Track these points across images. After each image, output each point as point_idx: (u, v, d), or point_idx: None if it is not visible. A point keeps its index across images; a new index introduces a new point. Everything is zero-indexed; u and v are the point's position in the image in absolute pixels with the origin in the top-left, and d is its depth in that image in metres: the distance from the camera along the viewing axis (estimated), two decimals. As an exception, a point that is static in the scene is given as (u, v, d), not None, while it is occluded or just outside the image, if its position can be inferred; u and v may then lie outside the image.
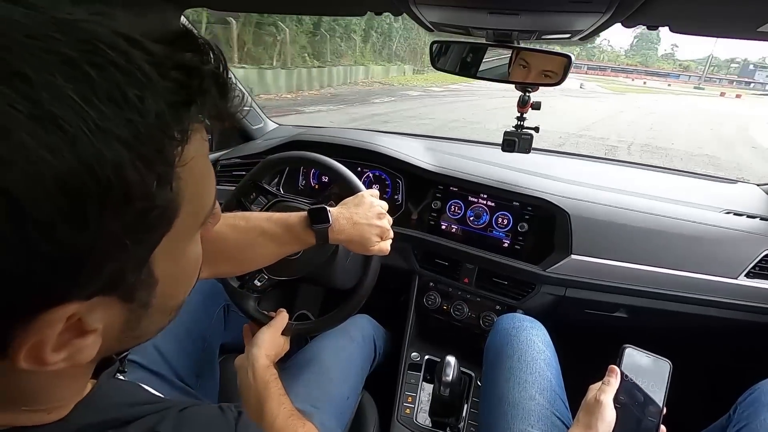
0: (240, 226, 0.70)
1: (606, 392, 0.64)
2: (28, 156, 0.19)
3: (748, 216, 1.06)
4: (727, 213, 1.07)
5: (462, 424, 1.03)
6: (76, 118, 0.20)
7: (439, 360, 1.00)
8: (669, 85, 46.99)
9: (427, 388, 1.10)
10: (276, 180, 1.37)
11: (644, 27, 0.69)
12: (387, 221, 0.78)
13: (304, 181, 1.40)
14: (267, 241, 0.70)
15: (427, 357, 1.16)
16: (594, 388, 0.67)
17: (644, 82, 42.87)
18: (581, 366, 0.87)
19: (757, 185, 1.24)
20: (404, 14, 0.77)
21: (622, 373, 0.67)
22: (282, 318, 0.84)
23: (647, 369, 0.68)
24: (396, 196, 1.27)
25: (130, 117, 0.22)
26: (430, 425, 1.03)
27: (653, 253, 1.01)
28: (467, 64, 0.93)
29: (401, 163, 1.22)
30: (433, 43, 0.94)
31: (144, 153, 0.22)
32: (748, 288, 0.96)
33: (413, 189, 1.24)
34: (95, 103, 0.21)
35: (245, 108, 1.57)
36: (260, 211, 0.91)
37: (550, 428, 0.72)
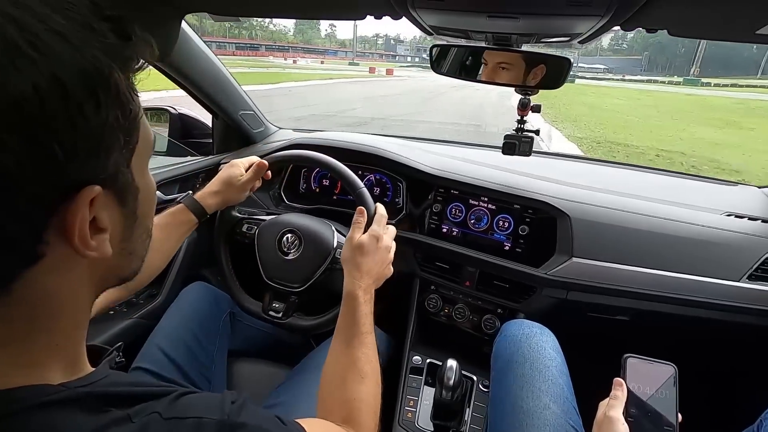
0: None
1: (615, 407, 0.62)
2: (62, 59, 0.27)
3: (750, 218, 1.06)
4: (729, 215, 1.07)
5: (464, 428, 1.03)
6: (75, 38, 0.29)
7: (440, 363, 1.00)
8: (322, 62, 47.74)
9: (429, 392, 1.09)
10: (277, 184, 1.38)
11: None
12: (392, 252, 0.80)
13: (305, 185, 1.41)
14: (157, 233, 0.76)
15: (428, 360, 1.15)
16: (603, 404, 0.65)
17: (294, 60, 40.75)
18: (587, 371, 0.87)
19: (758, 187, 1.23)
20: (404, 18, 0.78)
21: (628, 385, 0.65)
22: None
23: (653, 376, 0.66)
24: (397, 199, 1.27)
25: (103, 41, 0.30)
26: (432, 429, 1.03)
27: (655, 255, 1.01)
28: (467, 68, 0.93)
29: (402, 167, 1.22)
30: (432, 47, 0.94)
31: (118, 63, 0.31)
32: (751, 290, 0.96)
33: (414, 192, 1.25)
34: (80, 30, 0.29)
35: (247, 112, 1.57)
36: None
37: None
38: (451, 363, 0.96)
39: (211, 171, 1.38)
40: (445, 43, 0.95)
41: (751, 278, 0.96)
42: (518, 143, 1.06)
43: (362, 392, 0.61)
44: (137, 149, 0.35)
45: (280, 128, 1.62)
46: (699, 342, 1.14)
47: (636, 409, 0.63)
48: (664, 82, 49.15)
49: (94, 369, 0.38)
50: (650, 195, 1.14)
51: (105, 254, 0.33)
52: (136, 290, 0.77)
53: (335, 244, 0.98)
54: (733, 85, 42.46)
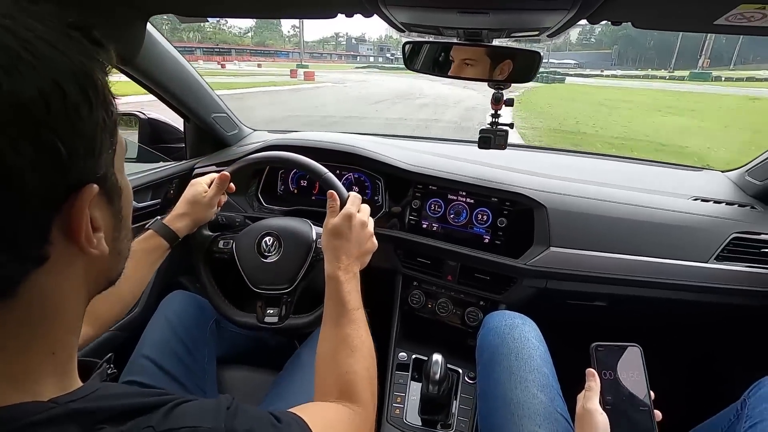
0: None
1: (591, 399, 0.64)
2: (57, 64, 0.29)
3: (715, 201, 1.11)
4: (695, 199, 1.11)
5: (452, 420, 1.04)
6: (61, 45, 0.30)
7: (426, 358, 1.00)
8: (259, 65, 42.03)
9: (416, 387, 1.10)
10: (254, 187, 1.36)
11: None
12: (371, 226, 0.80)
13: (282, 186, 1.39)
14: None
15: (414, 356, 1.16)
16: (581, 397, 0.67)
17: (222, 65, 36.62)
18: (569, 357, 0.89)
19: (721, 172, 1.29)
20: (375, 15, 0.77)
21: (600, 374, 0.67)
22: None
23: (621, 360, 0.68)
24: (376, 197, 1.27)
25: (81, 46, 0.32)
26: (420, 424, 1.03)
27: (628, 241, 1.04)
28: (440, 64, 0.94)
29: (380, 165, 1.22)
30: (405, 43, 0.94)
31: (98, 67, 0.33)
32: (719, 270, 1.00)
33: (393, 189, 1.25)
34: (61, 37, 0.31)
35: (220, 115, 1.54)
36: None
37: (554, 426, 0.72)
38: (437, 357, 0.97)
39: (185, 176, 1.35)
40: (417, 39, 0.96)
41: (718, 259, 1.00)
42: (493, 137, 1.07)
43: (353, 365, 0.62)
44: (118, 150, 0.37)
45: (255, 130, 1.60)
46: (676, 324, 1.19)
47: (611, 396, 0.66)
48: (664, 78, 41.59)
49: (84, 384, 0.37)
50: (622, 183, 1.18)
51: (104, 252, 0.35)
52: (107, 326, 0.73)
53: (314, 237, 0.97)
54: (738, 79, 36.24)
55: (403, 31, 0.90)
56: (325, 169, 0.92)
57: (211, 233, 0.99)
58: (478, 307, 1.17)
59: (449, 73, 0.92)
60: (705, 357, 1.20)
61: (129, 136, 1.39)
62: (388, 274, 1.26)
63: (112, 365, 0.46)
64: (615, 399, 0.66)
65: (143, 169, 1.28)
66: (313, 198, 1.38)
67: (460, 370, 1.12)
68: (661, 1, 0.62)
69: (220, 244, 0.98)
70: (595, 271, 1.04)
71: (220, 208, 0.94)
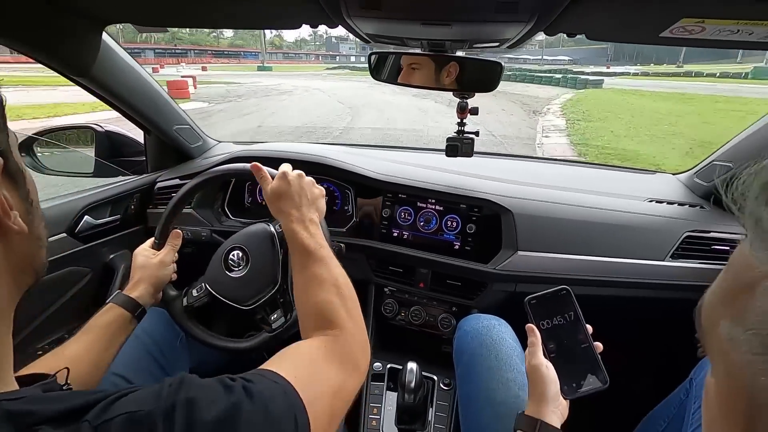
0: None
1: (534, 354, 0.67)
2: None
3: (668, 203, 1.17)
4: (651, 201, 1.17)
5: (428, 428, 1.04)
6: None
7: (401, 367, 1.00)
8: (204, 69, 37.83)
9: (392, 397, 1.09)
10: (220, 200, 1.32)
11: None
12: (309, 179, 0.80)
13: (250, 198, 1.36)
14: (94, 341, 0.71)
15: (389, 366, 1.16)
16: (527, 354, 0.69)
17: (161, 66, 33.94)
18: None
19: (673, 174, 1.36)
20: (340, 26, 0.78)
21: (538, 325, 0.70)
22: None
23: (554, 306, 0.72)
24: (346, 207, 1.27)
25: None
26: None
27: (590, 243, 1.08)
28: (405, 74, 0.95)
29: (350, 174, 1.22)
30: (370, 54, 0.95)
31: None
32: (674, 268, 1.05)
33: (362, 199, 1.25)
34: None
35: (183, 127, 1.50)
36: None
37: None
38: (411, 366, 0.97)
39: (147, 190, 1.30)
40: (382, 50, 0.97)
41: (673, 257, 1.06)
42: (460, 145, 1.09)
43: (322, 294, 0.61)
44: (10, 137, 0.38)
45: (220, 141, 1.57)
46: (639, 320, 1.23)
47: (553, 343, 0.69)
48: (714, 75, 32.66)
49: (22, 389, 0.36)
50: (582, 187, 1.23)
51: (23, 229, 0.37)
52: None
53: (273, 228, 0.94)
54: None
55: (369, 42, 0.91)
56: (245, 165, 0.89)
57: (175, 292, 0.93)
58: (451, 313, 1.18)
59: (414, 84, 0.93)
60: (668, 349, 1.25)
61: (86, 151, 1.33)
62: (360, 285, 1.25)
63: (68, 382, 0.44)
64: (557, 345, 0.69)
65: (101, 184, 1.22)
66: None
67: (435, 377, 1.13)
68: (611, 16, 0.66)
69: (194, 292, 0.92)
70: (560, 272, 1.07)
71: (175, 264, 0.91)
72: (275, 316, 0.89)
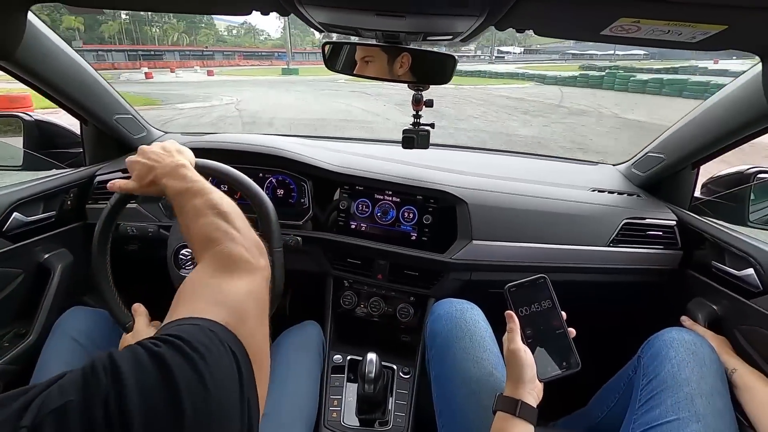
0: None
1: (513, 340, 0.71)
2: None
3: (609, 192, 1.24)
4: (593, 190, 1.24)
5: (388, 417, 1.05)
6: None
7: (360, 359, 1.01)
8: (173, 72, 35.08)
9: (352, 388, 1.10)
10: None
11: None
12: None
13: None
14: None
15: (349, 357, 1.16)
16: (505, 340, 0.74)
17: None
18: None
19: (613, 165, 1.45)
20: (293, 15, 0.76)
21: (516, 312, 0.75)
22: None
23: (532, 294, 0.76)
24: (302, 200, 1.24)
25: None
26: (358, 425, 1.04)
27: (539, 231, 1.13)
28: (358, 65, 0.94)
29: (306, 166, 1.20)
30: (324, 44, 0.93)
31: None
32: (614, 253, 1.12)
33: (319, 191, 1.23)
34: None
35: (124, 116, 1.41)
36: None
37: None
38: (371, 356, 0.98)
39: (85, 184, 1.21)
40: (337, 40, 0.95)
41: (614, 242, 1.13)
42: (416, 137, 1.10)
43: (202, 220, 0.59)
44: None
45: (167, 132, 1.49)
46: (586, 303, 1.31)
47: (531, 329, 0.74)
48: None
49: None
50: (533, 178, 1.28)
51: None
52: None
53: None
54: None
55: (322, 32, 0.89)
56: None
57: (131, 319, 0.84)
58: (409, 303, 1.20)
59: (368, 75, 0.93)
60: (616, 328, 1.34)
61: (13, 141, 1.22)
62: (318, 278, 1.24)
63: None
64: (534, 331, 0.74)
65: (32, 178, 1.13)
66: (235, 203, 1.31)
67: (395, 367, 1.14)
68: (555, 14, 0.68)
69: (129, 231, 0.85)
70: (512, 260, 1.12)
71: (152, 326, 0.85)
72: None
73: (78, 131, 1.28)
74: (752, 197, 1.05)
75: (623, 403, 0.85)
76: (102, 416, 0.29)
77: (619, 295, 1.26)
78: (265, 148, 1.21)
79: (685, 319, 0.98)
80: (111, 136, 1.27)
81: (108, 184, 0.75)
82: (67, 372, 0.33)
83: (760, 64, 0.80)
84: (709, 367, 0.78)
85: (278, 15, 0.76)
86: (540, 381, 0.71)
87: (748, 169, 1.07)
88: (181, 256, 0.88)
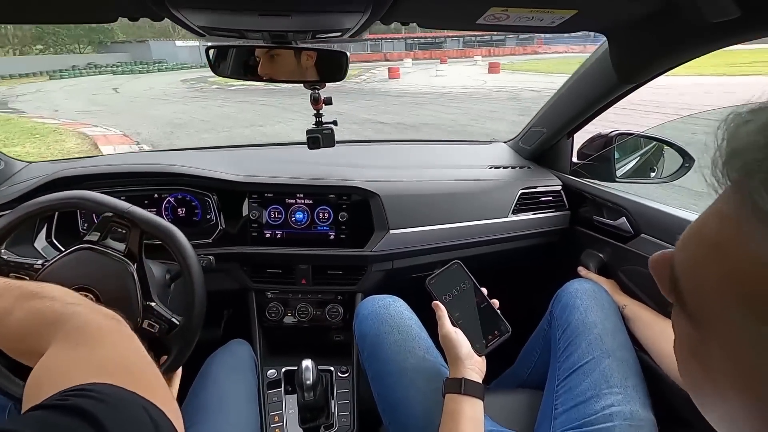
0: None
1: (443, 326, 0.77)
2: None
3: (504, 167, 1.36)
4: (491, 167, 1.35)
5: (333, 420, 1.05)
6: None
7: (296, 368, 0.98)
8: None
9: (291, 400, 1.07)
10: (43, 233, 1.09)
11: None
12: None
13: (86, 224, 1.16)
14: None
15: (284, 369, 1.13)
16: (439, 329, 0.78)
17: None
18: (433, 319, 0.99)
19: (504, 142, 1.59)
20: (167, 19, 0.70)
21: (441, 300, 0.80)
22: None
23: (451, 280, 0.83)
24: (208, 216, 1.17)
25: None
26: None
27: (448, 212, 1.20)
28: (250, 68, 0.91)
29: (206, 180, 1.13)
30: (208, 48, 0.88)
31: None
32: (515, 222, 1.24)
33: (226, 204, 1.17)
34: None
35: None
36: None
37: (443, 377, 0.81)
38: (306, 363, 0.96)
39: None
40: (222, 43, 0.91)
41: (514, 212, 1.24)
42: (321, 136, 1.10)
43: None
44: None
45: (30, 162, 1.29)
46: (501, 271, 1.42)
47: (458, 311, 0.80)
48: None
49: None
50: (437, 163, 1.35)
51: None
52: None
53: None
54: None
55: (203, 35, 0.84)
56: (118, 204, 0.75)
57: None
58: (337, 302, 1.20)
59: (261, 77, 0.90)
60: (527, 289, 1.47)
61: None
62: (238, 295, 1.18)
63: None
64: (461, 312, 0.80)
65: None
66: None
67: (332, 368, 1.14)
68: (433, 7, 0.73)
69: None
70: (429, 243, 1.17)
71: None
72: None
73: None
74: (616, 156, 1.22)
75: (545, 356, 0.95)
76: None
77: (525, 259, 1.38)
78: (155, 167, 1.11)
79: (581, 269, 1.12)
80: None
81: None
82: None
83: (607, 42, 0.93)
84: (608, 308, 0.91)
85: (150, 20, 0.70)
86: (480, 355, 0.76)
87: (610, 132, 1.24)
88: None
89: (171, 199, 1.15)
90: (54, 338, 0.42)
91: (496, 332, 0.79)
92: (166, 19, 0.69)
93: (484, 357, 0.77)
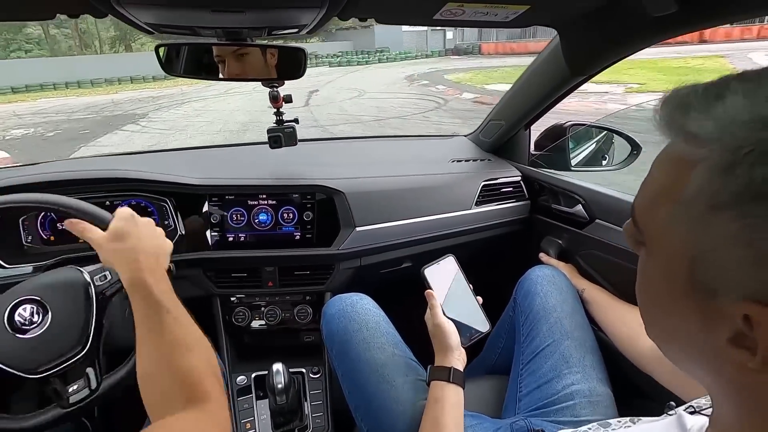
0: None
1: (436, 315, 0.79)
2: None
3: (466, 160, 1.39)
4: (453, 161, 1.37)
5: (307, 422, 1.04)
6: None
7: (266, 372, 0.97)
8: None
9: (263, 405, 1.05)
10: None
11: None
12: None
13: (30, 237, 1.08)
14: None
15: (254, 375, 1.10)
16: (428, 317, 0.81)
17: None
18: (399, 312, 1.00)
19: (465, 136, 1.62)
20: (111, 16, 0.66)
21: (434, 292, 0.82)
22: None
23: (445, 272, 0.86)
24: (166, 222, 1.12)
25: None
26: None
27: (413, 207, 1.21)
28: (207, 67, 0.88)
29: (162, 185, 1.08)
30: (158, 46, 0.84)
31: None
32: (478, 214, 1.26)
33: (185, 209, 1.12)
34: None
35: None
36: None
37: (414, 371, 0.85)
38: (277, 366, 0.95)
39: None
40: (173, 41, 0.87)
41: (477, 204, 1.27)
42: (282, 135, 1.07)
43: (193, 361, 0.53)
44: None
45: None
46: (469, 264, 1.44)
47: (449, 303, 0.82)
48: None
49: None
50: (400, 158, 1.35)
51: None
52: None
53: (87, 278, 0.75)
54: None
55: (152, 33, 0.80)
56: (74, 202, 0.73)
57: None
58: (306, 303, 1.18)
59: (216, 76, 0.87)
60: (492, 279, 1.51)
61: None
62: (202, 302, 1.14)
63: None
64: (451, 304, 0.83)
65: None
66: (82, 241, 1.12)
67: (304, 369, 1.12)
68: (391, 2, 0.73)
69: None
70: (394, 239, 1.17)
71: None
72: (75, 387, 0.70)
73: None
74: (570, 146, 1.27)
75: (510, 342, 0.98)
76: None
77: (490, 249, 1.42)
78: (106, 173, 1.05)
79: (542, 256, 1.16)
80: None
81: (67, 222, 0.67)
82: None
83: (558, 36, 0.97)
84: (567, 292, 0.95)
85: (93, 16, 0.66)
86: (464, 347, 0.79)
87: (564, 123, 1.29)
88: (18, 319, 0.71)
89: (125, 207, 1.09)
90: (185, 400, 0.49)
91: (479, 327, 0.83)
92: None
93: (465, 349, 0.80)
